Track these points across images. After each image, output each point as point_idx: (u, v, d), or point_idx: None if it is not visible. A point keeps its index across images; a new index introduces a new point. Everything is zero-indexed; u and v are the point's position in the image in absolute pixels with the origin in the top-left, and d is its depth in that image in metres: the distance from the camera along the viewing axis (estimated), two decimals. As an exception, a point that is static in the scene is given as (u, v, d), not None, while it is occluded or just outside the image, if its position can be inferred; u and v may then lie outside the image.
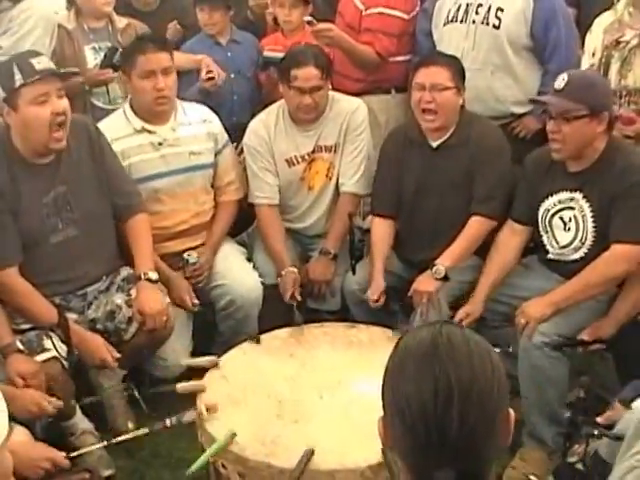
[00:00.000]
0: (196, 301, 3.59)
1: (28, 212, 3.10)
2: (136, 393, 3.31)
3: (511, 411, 1.31)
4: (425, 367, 1.26)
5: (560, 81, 3.04)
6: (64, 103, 3.04)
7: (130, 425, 3.40)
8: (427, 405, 1.23)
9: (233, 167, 3.83)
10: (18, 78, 2.93)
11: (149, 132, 3.56)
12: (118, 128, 3.53)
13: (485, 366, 1.27)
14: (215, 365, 2.88)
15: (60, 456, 2.59)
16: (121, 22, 4.16)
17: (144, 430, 2.85)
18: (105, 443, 2.91)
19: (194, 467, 2.46)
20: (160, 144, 3.57)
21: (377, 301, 3.40)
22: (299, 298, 3.52)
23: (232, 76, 4.24)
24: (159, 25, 4.35)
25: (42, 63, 2.98)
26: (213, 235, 3.73)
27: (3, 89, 2.99)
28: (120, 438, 2.89)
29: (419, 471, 1.26)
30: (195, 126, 3.67)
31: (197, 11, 4.28)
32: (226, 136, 3.79)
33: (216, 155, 3.74)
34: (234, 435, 2.43)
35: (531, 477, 2.71)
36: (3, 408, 1.34)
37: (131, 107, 3.58)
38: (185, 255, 3.61)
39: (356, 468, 2.26)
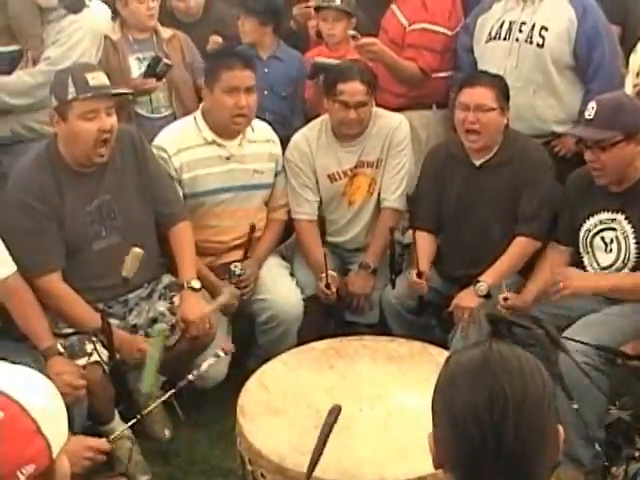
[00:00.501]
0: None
1: (72, 219, 3.15)
2: (173, 400, 3.34)
3: (560, 428, 1.32)
4: (479, 379, 1.28)
5: (590, 110, 3.05)
6: (112, 120, 3.09)
7: (167, 432, 3.45)
8: (483, 414, 1.25)
9: (285, 193, 3.84)
10: (71, 91, 2.98)
11: (218, 145, 3.58)
12: (187, 138, 3.55)
13: (536, 380, 1.30)
14: (237, 295, 3.22)
15: (101, 442, 2.57)
16: (166, 33, 4.20)
17: (171, 392, 2.92)
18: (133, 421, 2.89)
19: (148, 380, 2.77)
20: (228, 158, 3.60)
21: (420, 277, 3.40)
22: (334, 290, 3.57)
23: (265, 93, 4.19)
24: (201, 36, 4.37)
25: (96, 79, 3.03)
26: (260, 249, 3.74)
27: (56, 98, 3.05)
28: (150, 407, 2.96)
29: None
30: (260, 145, 3.69)
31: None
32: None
33: (276, 176, 3.77)
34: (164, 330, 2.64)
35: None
36: (64, 413, 1.37)
37: (203, 117, 3.59)
38: (232, 267, 3.61)
39: (395, 481, 2.26)
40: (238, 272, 3.60)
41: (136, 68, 4.03)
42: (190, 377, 2.86)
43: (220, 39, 4.46)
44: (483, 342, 1.37)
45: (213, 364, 2.92)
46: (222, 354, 2.98)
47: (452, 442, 1.29)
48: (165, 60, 3.90)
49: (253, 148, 3.65)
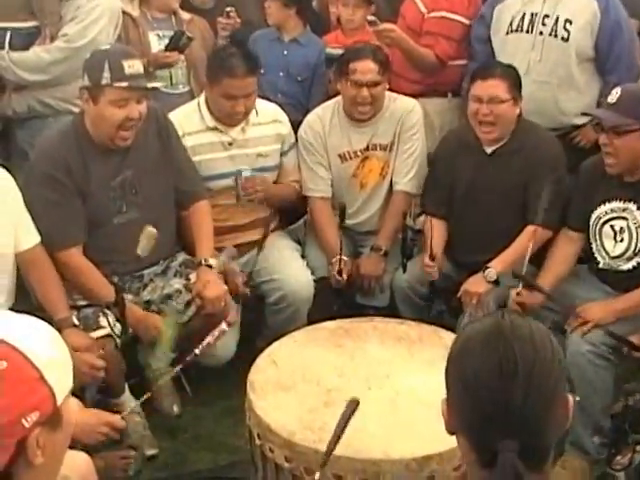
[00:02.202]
0: (247, 290, 3.60)
1: (96, 194, 3.18)
2: (182, 376, 3.38)
3: (570, 397, 1.35)
4: (490, 345, 1.32)
5: (613, 95, 3.07)
6: (141, 108, 3.11)
7: (175, 408, 3.48)
8: (493, 379, 1.29)
9: (295, 170, 3.86)
10: (106, 76, 3.00)
11: (220, 131, 3.61)
12: (191, 123, 3.58)
13: (546, 347, 1.33)
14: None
15: (116, 418, 2.64)
16: (185, 15, 4.22)
17: (178, 366, 2.98)
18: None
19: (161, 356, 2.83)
20: (230, 144, 3.63)
21: (432, 259, 3.44)
22: (345, 277, 3.59)
23: (280, 74, 4.26)
24: (216, 22, 4.37)
25: (133, 67, 3.04)
26: (275, 186, 3.80)
27: (89, 78, 3.06)
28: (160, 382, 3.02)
29: (483, 445, 1.30)
30: (265, 127, 3.70)
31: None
32: (293, 138, 3.82)
33: (281, 155, 3.79)
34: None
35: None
36: (67, 360, 1.39)
37: (206, 103, 3.61)
38: (240, 169, 3.63)
39: (401, 459, 2.27)
40: (245, 174, 3.61)
41: (156, 44, 4.05)
42: (196, 351, 2.88)
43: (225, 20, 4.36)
44: (495, 312, 1.41)
45: (218, 336, 2.94)
46: (225, 327, 2.99)
47: (464, 406, 1.33)
48: (188, 33, 3.93)
49: (257, 131, 3.67)
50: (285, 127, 3.78)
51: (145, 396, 2.89)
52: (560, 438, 1.34)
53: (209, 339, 2.92)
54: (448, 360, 1.39)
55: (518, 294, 3.23)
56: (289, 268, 3.67)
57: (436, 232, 3.52)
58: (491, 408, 1.28)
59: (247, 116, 3.61)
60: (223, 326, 2.98)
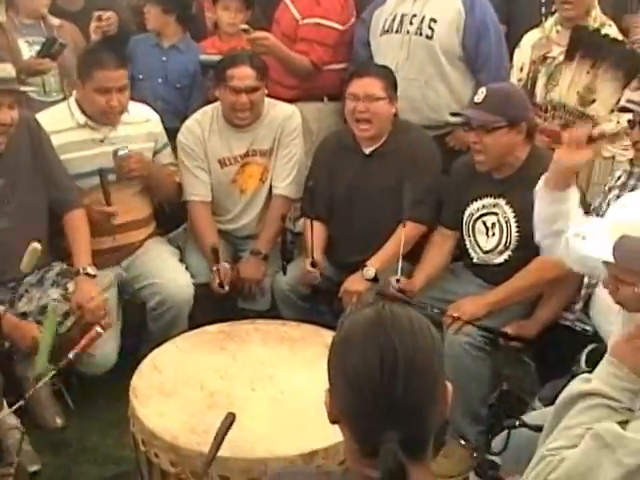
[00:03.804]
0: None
1: None
2: (62, 388, 3.31)
3: (449, 385, 1.38)
4: (371, 336, 1.33)
5: (479, 95, 3.18)
6: (13, 114, 3.06)
7: (58, 420, 3.40)
8: (374, 371, 1.29)
9: (172, 165, 3.86)
10: None
11: (92, 128, 3.55)
12: (59, 121, 3.52)
13: (426, 337, 1.35)
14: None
15: None
16: (55, 20, 4.13)
17: (54, 371, 2.88)
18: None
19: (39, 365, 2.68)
20: (101, 141, 3.57)
21: (314, 266, 3.47)
22: (227, 288, 3.60)
23: (159, 81, 4.25)
24: (86, 24, 4.28)
25: (4, 71, 3.01)
26: (155, 167, 3.75)
27: None
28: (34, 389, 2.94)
29: (365, 435, 1.31)
30: (136, 126, 3.67)
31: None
32: (166, 138, 3.81)
33: (155, 154, 3.76)
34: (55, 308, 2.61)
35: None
36: None
37: (76, 102, 3.56)
38: (116, 147, 3.56)
39: (286, 456, 2.29)
40: (121, 152, 3.55)
41: (27, 51, 3.96)
42: (70, 355, 2.82)
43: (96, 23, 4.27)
44: (376, 303, 1.42)
45: (93, 339, 2.88)
46: (100, 330, 2.94)
47: (346, 397, 1.33)
48: (60, 40, 3.86)
49: (129, 130, 3.63)
50: (157, 126, 3.76)
51: (18, 404, 2.80)
52: (441, 429, 1.38)
53: (83, 342, 2.86)
54: (330, 351, 1.40)
55: (397, 281, 3.30)
56: (167, 272, 3.66)
57: (316, 236, 3.56)
58: (372, 399, 1.29)
59: (122, 114, 3.57)
60: (98, 329, 2.92)
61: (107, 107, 3.47)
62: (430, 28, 3.82)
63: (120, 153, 3.54)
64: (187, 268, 3.75)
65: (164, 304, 3.59)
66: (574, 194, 2.47)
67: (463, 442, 3.11)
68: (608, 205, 2.91)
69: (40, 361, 2.95)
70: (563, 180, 2.43)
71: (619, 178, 3.10)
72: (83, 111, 3.54)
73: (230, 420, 2.21)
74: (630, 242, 1.84)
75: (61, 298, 3.27)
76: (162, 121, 3.85)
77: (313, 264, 3.51)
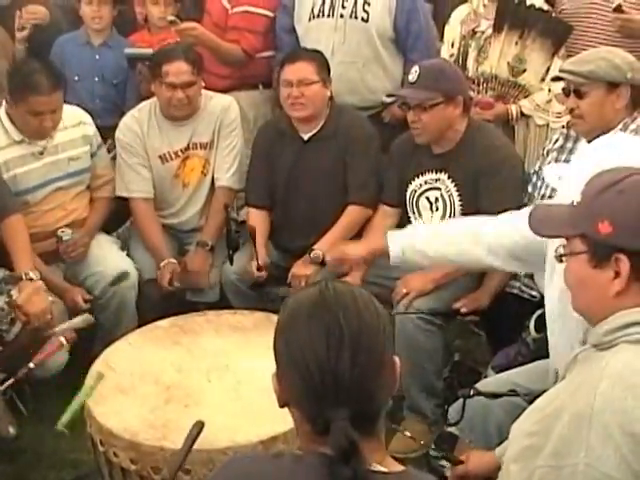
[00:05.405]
0: (87, 296, 3.55)
1: None
2: (14, 395, 3.26)
3: (396, 359, 1.39)
4: (315, 315, 1.34)
5: (413, 74, 3.21)
6: None
7: (11, 429, 3.34)
8: (320, 350, 1.30)
9: (107, 167, 3.82)
10: None
11: (28, 143, 3.49)
12: None
13: (370, 311, 1.36)
14: (91, 322, 3.08)
15: None
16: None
17: (9, 382, 2.84)
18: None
19: (65, 418, 2.55)
20: (41, 153, 3.52)
21: (260, 270, 3.48)
22: (177, 284, 3.60)
23: (96, 79, 4.20)
24: (13, 20, 4.13)
25: None
26: (88, 223, 3.73)
27: None
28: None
29: (315, 415, 1.31)
30: (71, 130, 3.62)
31: (82, 4, 4.18)
32: (100, 138, 3.77)
33: (92, 157, 3.72)
34: (101, 375, 2.58)
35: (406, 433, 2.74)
36: None
37: (8, 117, 3.47)
38: (59, 232, 3.58)
39: (248, 444, 2.29)
40: (66, 237, 3.58)
41: None
42: (31, 365, 2.78)
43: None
44: (320, 282, 1.43)
45: (55, 349, 2.86)
46: (65, 342, 2.92)
47: (293, 379, 1.33)
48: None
49: (64, 136, 3.58)
50: (90, 128, 3.71)
51: None
52: (396, 404, 1.39)
53: (45, 353, 2.82)
54: (275, 333, 1.40)
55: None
56: (109, 260, 3.65)
57: (259, 228, 3.57)
58: (320, 378, 1.29)
59: (55, 129, 3.52)
60: (61, 339, 2.89)
61: (40, 128, 3.43)
62: (365, 11, 3.83)
63: (65, 238, 3.59)
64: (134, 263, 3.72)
65: (108, 290, 3.57)
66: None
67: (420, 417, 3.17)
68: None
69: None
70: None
71: (557, 141, 3.17)
72: (16, 126, 3.47)
73: (198, 429, 2.20)
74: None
75: (5, 306, 3.22)
76: (103, 119, 3.82)
77: (259, 268, 3.51)
